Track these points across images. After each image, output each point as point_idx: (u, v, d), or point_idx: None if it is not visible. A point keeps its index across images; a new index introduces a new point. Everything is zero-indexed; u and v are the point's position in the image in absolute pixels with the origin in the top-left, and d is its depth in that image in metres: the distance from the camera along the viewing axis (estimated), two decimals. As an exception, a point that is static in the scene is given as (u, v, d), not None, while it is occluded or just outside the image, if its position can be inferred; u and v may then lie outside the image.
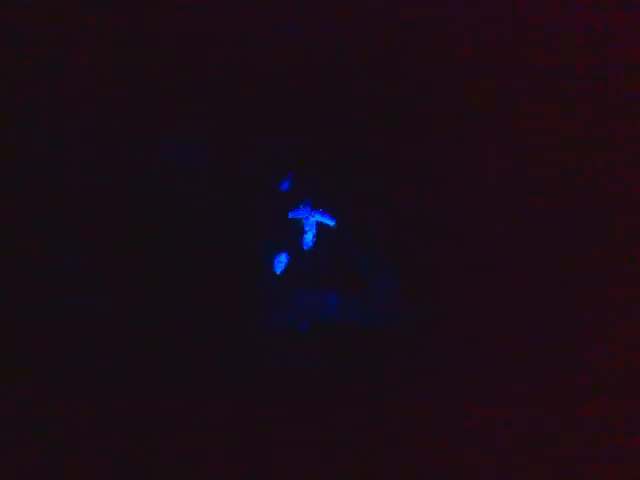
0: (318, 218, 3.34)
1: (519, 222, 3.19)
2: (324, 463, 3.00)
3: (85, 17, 3.12)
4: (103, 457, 2.99)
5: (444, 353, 3.18)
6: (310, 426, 3.06)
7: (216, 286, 3.28)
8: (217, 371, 3.17)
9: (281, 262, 3.32)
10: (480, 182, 3.23)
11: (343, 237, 3.36)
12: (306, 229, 3.35)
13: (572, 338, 3.10)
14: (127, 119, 3.23)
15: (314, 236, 3.34)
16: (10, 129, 3.20)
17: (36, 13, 3.11)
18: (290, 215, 3.35)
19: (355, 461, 3.00)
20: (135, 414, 3.06)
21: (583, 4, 2.98)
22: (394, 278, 3.31)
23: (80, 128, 3.23)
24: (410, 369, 3.16)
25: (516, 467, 2.96)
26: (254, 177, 3.31)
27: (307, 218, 3.34)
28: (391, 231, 3.33)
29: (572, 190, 3.15)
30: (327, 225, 3.34)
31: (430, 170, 3.26)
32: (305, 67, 3.17)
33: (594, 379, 3.06)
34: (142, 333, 3.21)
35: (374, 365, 3.20)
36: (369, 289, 3.32)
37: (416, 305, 3.27)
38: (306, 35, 3.12)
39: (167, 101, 3.21)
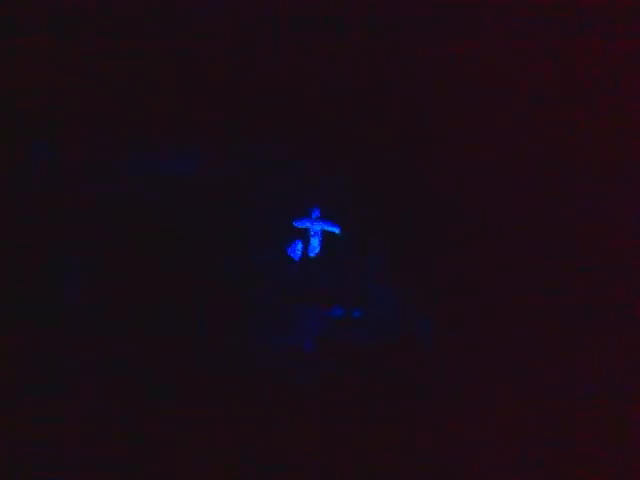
0: (323, 227, 3.34)
1: (522, 234, 3.19)
2: (328, 475, 3.01)
3: (83, 26, 3.12)
4: (102, 462, 3.00)
5: (447, 368, 3.20)
6: (313, 441, 3.05)
7: (219, 301, 3.28)
8: (220, 387, 3.16)
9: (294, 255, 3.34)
10: (484, 196, 3.23)
11: (346, 253, 3.36)
12: (311, 238, 3.38)
13: (572, 346, 3.11)
14: (127, 126, 3.24)
15: (319, 244, 3.35)
16: (10, 136, 3.21)
17: (36, 19, 3.10)
18: (295, 224, 3.38)
19: (358, 476, 3.01)
20: (135, 437, 3.04)
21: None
22: (398, 294, 3.32)
23: (81, 135, 3.24)
24: (413, 384, 3.17)
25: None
26: (257, 188, 3.33)
27: (312, 227, 3.37)
28: (394, 247, 3.33)
29: (572, 192, 3.14)
30: (331, 237, 3.36)
31: (433, 183, 3.25)
32: (306, 75, 3.16)
33: (594, 383, 3.07)
34: (142, 349, 3.19)
35: (378, 381, 3.20)
36: (373, 305, 3.34)
37: (419, 321, 3.29)
38: (305, 41, 3.09)
39: (168, 109, 3.22)
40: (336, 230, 3.34)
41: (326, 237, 3.37)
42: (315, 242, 3.36)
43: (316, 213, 3.35)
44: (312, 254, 3.35)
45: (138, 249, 3.26)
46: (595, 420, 3.00)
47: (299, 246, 3.33)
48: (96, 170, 3.25)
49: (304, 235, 3.37)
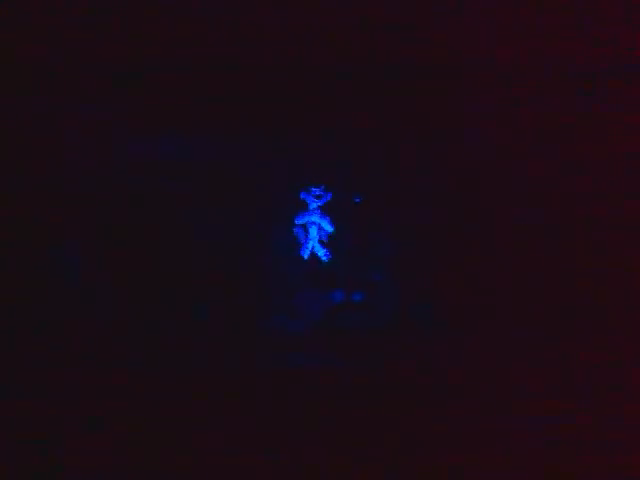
0: (319, 220, 3.36)
1: (522, 223, 3.20)
2: (327, 465, 3.00)
3: (82, 17, 3.11)
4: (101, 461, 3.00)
5: (447, 353, 3.19)
6: (313, 428, 3.05)
7: (218, 289, 3.28)
8: (219, 374, 3.17)
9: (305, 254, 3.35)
10: (482, 184, 3.23)
11: (345, 238, 3.38)
12: (309, 230, 3.39)
13: (573, 337, 3.10)
14: (127, 117, 3.23)
15: (317, 236, 3.35)
16: (7, 127, 3.19)
17: (35, 13, 3.09)
18: (294, 218, 3.39)
19: (359, 462, 3.00)
20: (134, 417, 3.05)
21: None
22: (397, 279, 3.33)
23: (80, 126, 3.24)
24: (413, 369, 3.17)
25: (517, 468, 2.96)
26: (256, 178, 3.34)
27: (310, 220, 3.39)
28: (393, 231, 3.35)
29: (572, 192, 3.15)
30: (330, 231, 3.38)
31: (433, 171, 3.26)
32: (309, 70, 3.17)
33: (594, 379, 3.06)
34: (141, 338, 3.20)
35: (377, 366, 3.20)
36: (372, 290, 3.34)
37: (419, 305, 3.30)
38: (308, 33, 3.10)
39: (167, 99, 3.21)
40: (330, 228, 3.37)
41: (323, 229, 3.40)
42: (314, 232, 3.37)
43: (313, 205, 3.39)
44: (309, 249, 3.36)
45: (137, 238, 3.26)
46: (595, 419, 3.00)
47: (309, 244, 3.34)
48: (93, 161, 3.25)
49: (303, 227, 3.39)
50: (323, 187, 3.34)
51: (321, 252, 3.34)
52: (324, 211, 3.37)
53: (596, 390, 3.04)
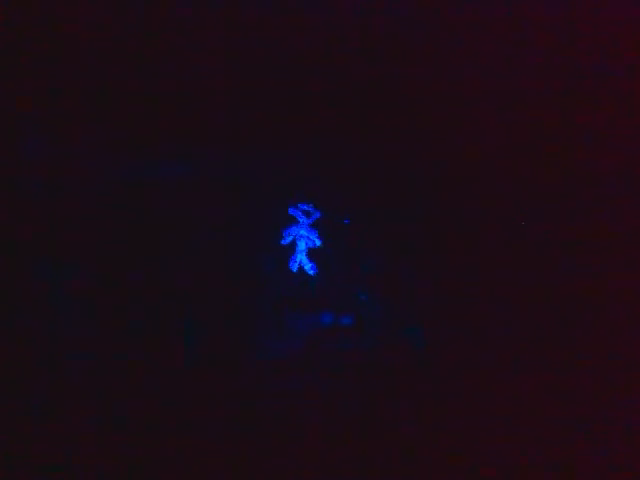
0: (307, 234, 3.33)
1: (516, 242, 3.21)
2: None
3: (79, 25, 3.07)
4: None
5: (439, 373, 3.16)
6: (308, 449, 3.01)
7: (210, 308, 3.26)
8: (213, 395, 3.12)
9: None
10: (474, 204, 3.25)
11: (336, 258, 3.36)
12: (298, 248, 3.36)
13: (571, 345, 3.12)
14: (125, 131, 3.22)
15: (307, 255, 3.34)
16: (7, 138, 3.16)
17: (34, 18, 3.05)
18: (283, 233, 3.37)
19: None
20: (131, 445, 3.00)
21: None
22: (388, 300, 3.32)
23: (81, 138, 3.22)
24: (405, 389, 3.13)
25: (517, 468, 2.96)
26: (248, 194, 3.33)
27: (299, 237, 3.36)
28: (384, 252, 3.34)
29: (570, 196, 3.16)
30: (318, 245, 3.37)
31: (424, 191, 3.27)
32: (303, 89, 3.20)
33: (593, 385, 3.06)
34: (136, 355, 3.15)
35: (369, 387, 3.17)
36: (363, 311, 3.32)
37: (409, 326, 3.28)
38: (305, 46, 3.10)
39: (165, 113, 3.21)
40: (318, 242, 3.36)
41: (314, 249, 3.38)
42: (302, 245, 3.35)
43: (304, 220, 3.37)
44: (298, 267, 3.34)
45: (131, 256, 3.23)
46: (595, 419, 2.98)
47: (297, 257, 3.32)
48: (93, 174, 3.23)
49: (293, 241, 3.37)
50: (312, 205, 3.36)
51: (308, 266, 3.32)
52: (313, 227, 3.36)
53: (596, 390, 3.01)
